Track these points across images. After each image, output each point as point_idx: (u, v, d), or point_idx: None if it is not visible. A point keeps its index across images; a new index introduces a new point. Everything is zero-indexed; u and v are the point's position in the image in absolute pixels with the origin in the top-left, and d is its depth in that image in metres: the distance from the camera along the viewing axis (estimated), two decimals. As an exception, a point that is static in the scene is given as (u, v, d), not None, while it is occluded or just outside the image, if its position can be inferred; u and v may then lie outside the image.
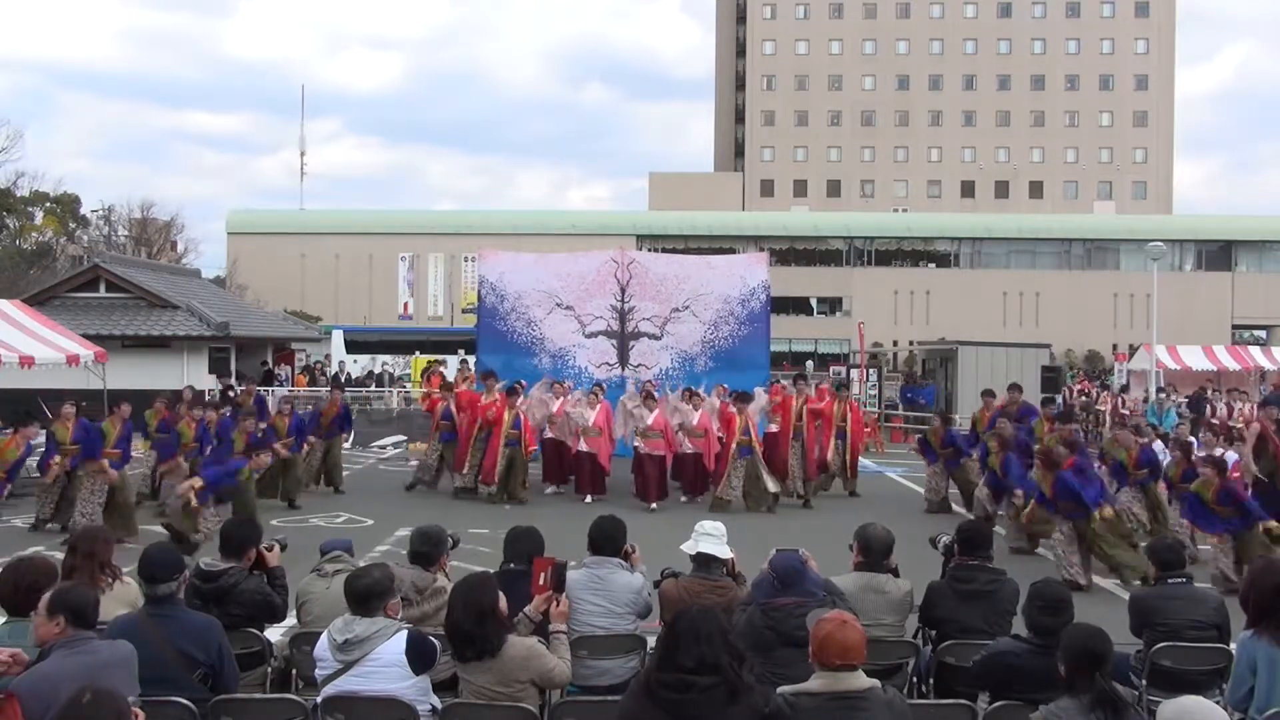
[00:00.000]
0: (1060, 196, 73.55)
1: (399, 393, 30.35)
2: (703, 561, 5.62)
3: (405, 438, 22.53)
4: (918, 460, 16.62)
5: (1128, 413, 23.89)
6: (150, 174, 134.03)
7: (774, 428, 15.24)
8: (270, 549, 5.78)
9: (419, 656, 4.47)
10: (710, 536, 5.64)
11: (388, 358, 39.15)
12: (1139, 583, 9.44)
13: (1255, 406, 23.84)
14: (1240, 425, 21.48)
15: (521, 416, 15.07)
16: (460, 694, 4.66)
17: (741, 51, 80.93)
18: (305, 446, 15.06)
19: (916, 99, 75.32)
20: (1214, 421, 22.30)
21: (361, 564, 5.51)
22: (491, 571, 5.16)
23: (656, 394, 15.62)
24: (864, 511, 12.99)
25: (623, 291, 19.16)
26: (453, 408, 15.76)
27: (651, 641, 5.48)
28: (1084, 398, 28.72)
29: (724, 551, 5.64)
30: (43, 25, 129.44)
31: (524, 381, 16.27)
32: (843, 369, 35.03)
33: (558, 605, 5.06)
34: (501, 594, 4.70)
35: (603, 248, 23.70)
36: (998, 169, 74.82)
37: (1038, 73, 74.97)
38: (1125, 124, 74.28)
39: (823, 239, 63.33)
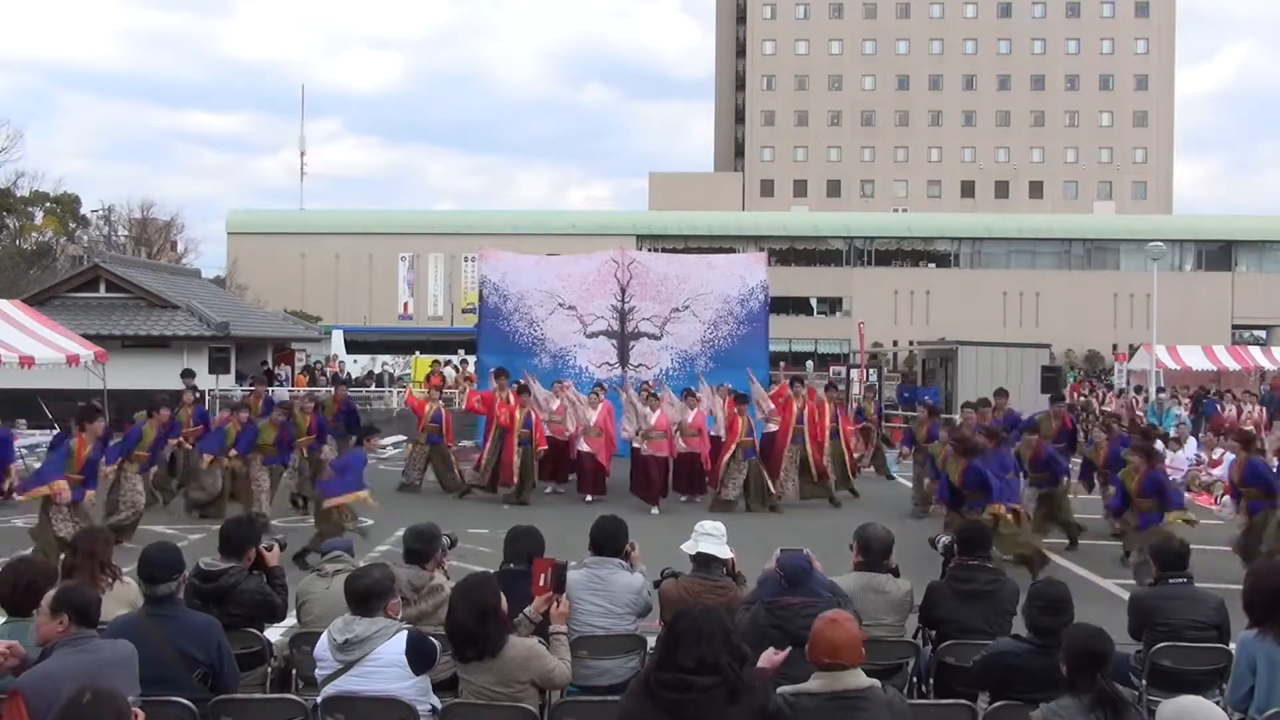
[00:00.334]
0: (1060, 196, 73.55)
1: (399, 393, 30.35)
2: (703, 561, 5.62)
3: (405, 438, 22.46)
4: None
5: (1109, 409, 23.92)
6: (150, 174, 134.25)
7: (772, 427, 15.21)
8: (270, 549, 5.78)
9: (419, 656, 4.47)
10: (710, 536, 5.64)
11: (388, 358, 39.20)
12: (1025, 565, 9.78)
13: (1262, 408, 23.88)
14: (1249, 426, 21.51)
15: (533, 415, 15.07)
16: (460, 694, 4.66)
17: (741, 51, 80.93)
18: (324, 447, 14.91)
19: (916, 99, 75.30)
20: (1223, 423, 22.36)
21: (361, 564, 5.52)
22: (491, 571, 5.16)
23: (657, 392, 15.59)
24: (864, 512, 12.98)
25: (623, 291, 19.16)
26: (443, 410, 15.77)
27: (651, 641, 5.49)
28: (1082, 398, 28.73)
29: (724, 551, 5.63)
30: (43, 25, 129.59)
31: (530, 373, 16.19)
32: (843, 369, 35.03)
33: (558, 606, 5.06)
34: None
35: (603, 248, 23.70)
36: (998, 169, 74.82)
37: (1038, 73, 74.96)
38: (1125, 124, 74.27)
39: (823, 239, 63.35)
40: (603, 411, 15.28)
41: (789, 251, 60.99)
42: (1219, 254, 61.90)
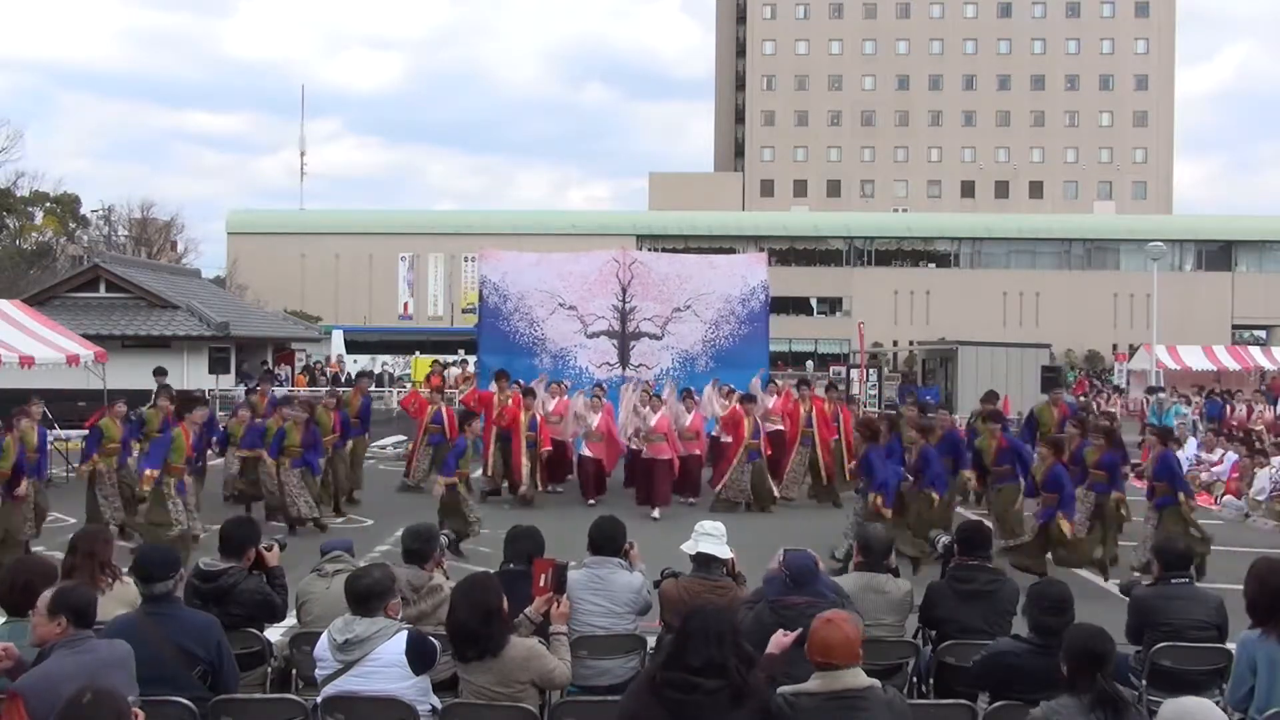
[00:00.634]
0: (1060, 196, 73.55)
1: (399, 393, 30.36)
2: (703, 561, 5.62)
3: (405, 438, 22.47)
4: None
5: (1098, 406, 23.93)
6: (150, 174, 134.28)
7: (772, 426, 15.21)
8: (270, 549, 5.77)
9: (419, 657, 4.47)
10: (710, 536, 5.64)
11: (388, 358, 39.23)
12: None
13: (1272, 408, 23.87)
14: (1260, 428, 21.52)
15: (538, 416, 15.05)
16: (460, 694, 4.66)
17: (741, 51, 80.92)
18: (348, 444, 14.79)
19: (916, 99, 75.30)
20: (1233, 423, 22.36)
21: (361, 564, 5.52)
22: (492, 571, 5.16)
23: (658, 392, 15.56)
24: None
25: (624, 291, 19.12)
26: (444, 410, 15.70)
27: (652, 641, 5.49)
28: (1082, 399, 28.74)
29: (724, 551, 5.63)
30: (43, 25, 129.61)
31: (522, 381, 16.21)
32: (843, 369, 35.02)
33: (558, 606, 5.06)
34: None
35: (603, 248, 23.66)
36: (998, 169, 74.82)
37: (1038, 73, 74.94)
38: (1125, 124, 74.27)
39: (823, 239, 63.35)
40: (604, 414, 15.28)
41: (789, 251, 60.98)
42: (1219, 254, 61.91)
